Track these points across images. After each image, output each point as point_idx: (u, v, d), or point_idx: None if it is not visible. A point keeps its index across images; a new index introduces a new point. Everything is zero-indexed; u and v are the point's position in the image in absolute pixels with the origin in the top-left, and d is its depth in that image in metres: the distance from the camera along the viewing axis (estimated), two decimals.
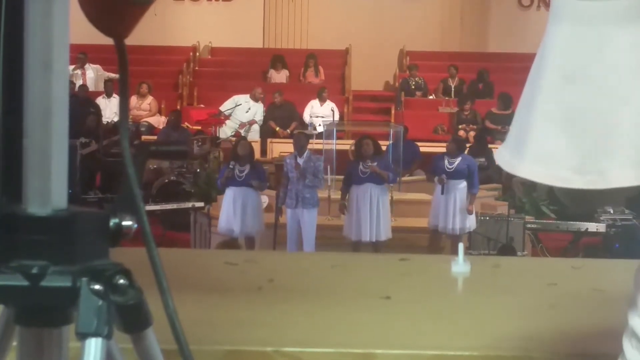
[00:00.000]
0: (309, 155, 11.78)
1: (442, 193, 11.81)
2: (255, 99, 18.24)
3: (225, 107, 18.07)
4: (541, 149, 1.56)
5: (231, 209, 11.56)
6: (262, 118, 18.37)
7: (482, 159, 15.37)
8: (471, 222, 11.87)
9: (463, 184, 11.89)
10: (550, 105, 1.54)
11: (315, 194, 11.70)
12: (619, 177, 1.50)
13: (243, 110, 18.12)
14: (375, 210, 11.46)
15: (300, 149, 11.76)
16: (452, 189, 11.85)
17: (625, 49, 1.49)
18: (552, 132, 1.54)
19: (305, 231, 11.51)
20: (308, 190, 11.54)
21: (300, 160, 11.59)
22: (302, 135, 12.77)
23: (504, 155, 1.67)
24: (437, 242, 12.05)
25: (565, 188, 1.55)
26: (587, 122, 1.51)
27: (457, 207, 11.81)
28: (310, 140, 14.01)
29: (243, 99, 18.19)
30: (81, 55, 18.76)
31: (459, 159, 12.06)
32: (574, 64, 1.53)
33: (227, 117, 17.94)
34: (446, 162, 12.04)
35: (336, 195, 12.43)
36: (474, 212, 11.89)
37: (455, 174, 11.92)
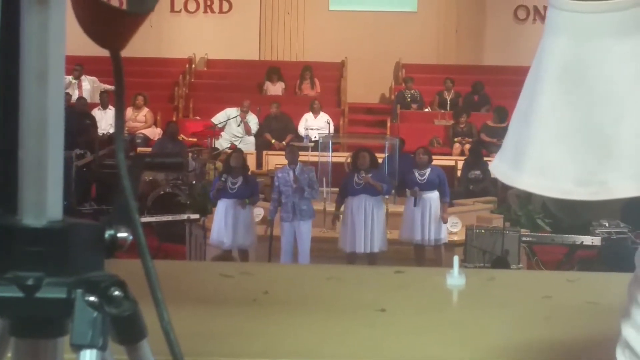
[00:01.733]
0: (301, 167, 11.80)
1: (415, 205, 11.91)
2: (245, 112, 18.22)
3: (217, 119, 18.10)
4: (541, 161, 1.56)
5: (223, 222, 11.57)
6: (256, 129, 18.38)
7: (478, 172, 15.38)
8: (444, 233, 12.01)
9: (436, 194, 12.04)
10: (550, 116, 1.55)
11: (311, 206, 11.73)
12: (620, 188, 1.50)
13: (235, 124, 18.14)
14: (370, 222, 11.48)
15: (293, 161, 11.78)
16: (427, 200, 11.97)
17: (623, 60, 1.50)
18: (552, 144, 1.54)
19: (302, 243, 11.52)
20: (305, 202, 11.56)
21: (292, 174, 11.60)
22: (294, 147, 12.80)
23: (500, 168, 1.66)
24: (422, 255, 12.10)
25: (559, 200, 1.55)
26: (587, 133, 1.52)
27: (432, 217, 11.93)
28: (306, 153, 14.01)
29: (235, 112, 18.22)
30: (77, 67, 18.78)
31: (428, 170, 12.20)
32: (572, 77, 1.53)
33: (222, 129, 17.97)
34: (417, 174, 12.16)
35: (331, 207, 12.44)
36: (450, 223, 12.05)
37: (427, 185, 12.07)
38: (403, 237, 12.09)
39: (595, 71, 1.48)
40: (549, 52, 1.55)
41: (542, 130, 1.53)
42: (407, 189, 12.20)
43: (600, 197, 1.48)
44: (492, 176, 13.99)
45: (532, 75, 1.60)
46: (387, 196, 12.27)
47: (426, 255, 12.10)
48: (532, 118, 1.55)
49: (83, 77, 19.45)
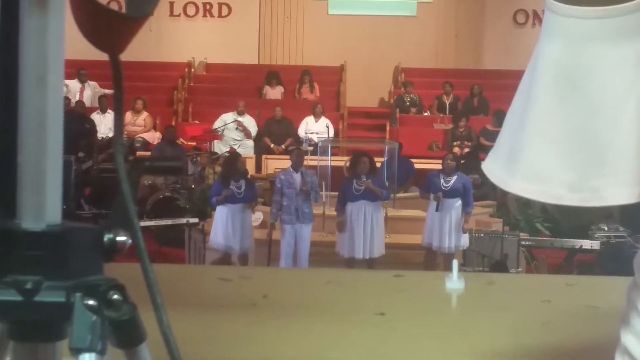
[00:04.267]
0: (305, 170, 11.80)
1: (437, 210, 11.75)
2: (240, 113, 18.26)
3: (216, 126, 18.13)
4: (534, 165, 1.56)
5: (230, 226, 11.53)
6: (255, 132, 18.38)
7: (476, 176, 15.38)
8: (465, 241, 11.83)
9: (458, 203, 11.84)
10: (543, 122, 1.55)
11: (312, 209, 11.72)
12: (613, 195, 1.50)
13: (233, 128, 18.17)
14: (369, 227, 11.44)
15: (299, 164, 11.76)
16: (448, 207, 11.79)
17: (617, 66, 1.50)
18: (545, 149, 1.54)
19: (303, 247, 11.51)
20: (307, 206, 11.55)
21: (297, 177, 11.58)
22: (300, 151, 12.79)
23: (493, 170, 1.67)
24: (432, 259, 12.00)
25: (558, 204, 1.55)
26: (580, 139, 1.51)
27: (452, 225, 11.76)
28: (305, 157, 14.03)
29: (231, 117, 18.24)
30: (82, 71, 18.82)
31: (454, 178, 12.00)
32: (566, 82, 1.53)
33: (221, 135, 17.98)
34: (442, 180, 11.97)
35: (330, 212, 12.42)
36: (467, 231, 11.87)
37: (451, 193, 11.86)
38: (425, 242, 11.95)
39: (589, 77, 1.48)
40: (544, 56, 1.55)
41: (535, 135, 1.53)
42: (430, 193, 12.02)
43: (592, 203, 1.48)
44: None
45: (527, 78, 1.60)
46: (386, 201, 12.22)
47: (436, 261, 12.00)
48: (525, 122, 1.55)
49: (85, 83, 19.51)
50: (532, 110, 1.54)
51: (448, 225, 11.75)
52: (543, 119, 1.52)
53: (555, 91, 1.51)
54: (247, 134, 18.17)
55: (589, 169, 1.48)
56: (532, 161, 1.53)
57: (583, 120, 1.48)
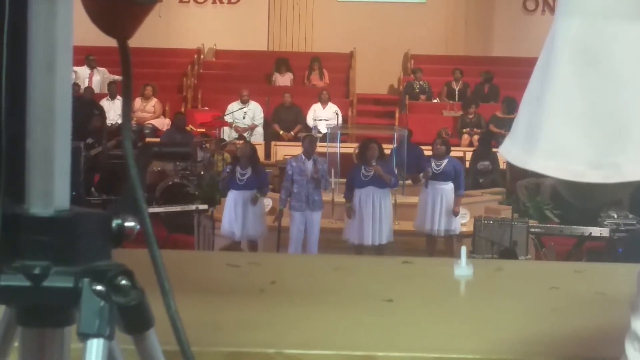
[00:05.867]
0: (317, 158, 11.80)
1: (426, 187, 11.88)
2: (243, 102, 18.26)
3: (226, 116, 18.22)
4: (554, 143, 1.55)
5: (233, 213, 11.56)
6: (261, 119, 18.38)
7: (487, 163, 15.35)
8: (456, 224, 11.95)
9: (449, 186, 11.99)
10: (562, 99, 1.54)
11: (321, 196, 11.73)
12: (634, 171, 1.49)
13: (240, 117, 18.17)
14: (377, 214, 11.45)
15: (311, 151, 11.77)
16: (439, 190, 11.92)
17: (636, 42, 1.49)
18: (565, 126, 1.53)
19: (312, 233, 11.52)
20: (317, 193, 11.56)
21: (309, 164, 11.58)
22: (312, 138, 12.79)
23: (512, 150, 1.66)
24: (432, 246, 12.07)
25: (571, 184, 1.54)
26: (600, 116, 1.51)
27: (443, 208, 11.88)
28: None
29: (236, 106, 18.24)
30: (91, 57, 18.83)
31: (445, 161, 12.15)
32: (584, 59, 1.52)
33: (230, 124, 17.99)
34: (433, 164, 12.12)
35: (339, 198, 12.42)
36: (459, 214, 11.98)
37: (442, 176, 12.01)
38: (416, 227, 12.05)
39: (609, 52, 1.47)
40: (562, 33, 1.53)
41: (554, 113, 1.52)
42: (420, 174, 12.15)
43: (612, 180, 1.47)
44: (502, 160, 13.91)
45: (544, 58, 1.59)
46: (395, 188, 12.24)
47: (437, 247, 12.07)
48: (544, 100, 1.54)
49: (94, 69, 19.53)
50: (551, 88, 1.53)
51: (439, 208, 11.86)
52: (562, 96, 1.51)
53: (574, 67, 1.50)
54: (251, 127, 18.18)
55: (609, 146, 1.47)
56: (551, 139, 1.52)
57: (603, 96, 1.47)
